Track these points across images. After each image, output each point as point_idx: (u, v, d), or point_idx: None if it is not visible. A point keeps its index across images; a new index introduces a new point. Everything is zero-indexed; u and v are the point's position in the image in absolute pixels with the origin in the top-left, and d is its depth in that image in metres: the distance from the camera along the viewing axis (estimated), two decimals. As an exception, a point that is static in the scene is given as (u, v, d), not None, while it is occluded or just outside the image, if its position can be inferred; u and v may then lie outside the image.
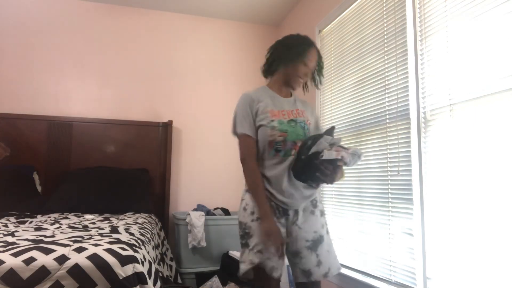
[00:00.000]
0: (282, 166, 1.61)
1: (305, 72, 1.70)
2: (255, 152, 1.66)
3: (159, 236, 2.63)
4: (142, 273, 1.35)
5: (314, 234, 1.64)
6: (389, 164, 2.12)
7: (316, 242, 1.63)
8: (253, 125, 1.65)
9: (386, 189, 2.14)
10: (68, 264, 1.27)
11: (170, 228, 3.39)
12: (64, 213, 2.66)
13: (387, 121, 2.15)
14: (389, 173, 2.12)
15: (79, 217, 2.48)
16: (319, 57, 1.77)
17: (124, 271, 1.30)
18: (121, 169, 3.19)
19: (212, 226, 3.08)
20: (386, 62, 2.18)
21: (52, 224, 2.11)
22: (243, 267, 1.58)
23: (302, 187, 1.63)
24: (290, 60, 1.69)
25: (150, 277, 1.44)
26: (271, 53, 1.77)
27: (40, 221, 2.23)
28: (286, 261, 1.74)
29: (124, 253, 1.36)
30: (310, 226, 1.64)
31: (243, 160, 1.65)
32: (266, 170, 1.64)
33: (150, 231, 2.23)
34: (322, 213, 1.72)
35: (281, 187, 1.60)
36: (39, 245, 1.36)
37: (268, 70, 1.78)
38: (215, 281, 2.72)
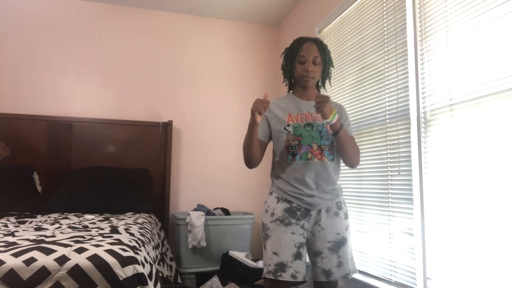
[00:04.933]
0: (301, 169, 1.64)
1: (304, 69, 1.69)
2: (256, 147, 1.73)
3: (159, 236, 2.63)
4: (142, 274, 1.35)
5: (337, 236, 1.66)
6: (389, 164, 2.12)
7: (339, 244, 1.65)
8: (265, 130, 1.73)
9: (386, 189, 2.14)
10: (69, 264, 1.27)
11: (170, 228, 3.39)
12: (64, 213, 2.66)
13: (387, 121, 2.15)
14: (389, 173, 2.12)
15: (79, 217, 2.48)
16: (322, 50, 1.72)
17: (124, 272, 1.30)
18: (121, 169, 3.19)
19: (212, 226, 3.08)
20: (386, 62, 2.18)
21: (52, 224, 2.11)
22: (264, 270, 1.63)
23: (326, 191, 1.66)
24: (289, 65, 1.74)
25: (150, 278, 1.44)
26: (281, 67, 1.83)
27: (40, 221, 2.23)
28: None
29: (124, 254, 1.36)
30: (333, 228, 1.66)
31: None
32: (286, 174, 1.67)
33: (150, 231, 2.23)
34: (346, 216, 1.73)
35: (304, 189, 1.63)
36: (39, 245, 1.36)
37: (288, 82, 1.82)
38: (215, 281, 2.72)
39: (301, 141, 1.65)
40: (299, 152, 1.65)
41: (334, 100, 2.76)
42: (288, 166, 1.67)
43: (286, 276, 1.57)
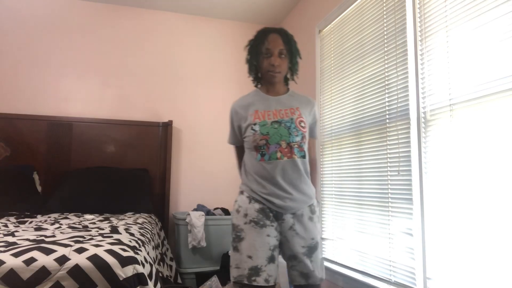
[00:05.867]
0: (271, 169, 1.56)
1: (270, 64, 1.59)
2: (239, 155, 1.77)
3: (159, 236, 2.63)
4: (142, 274, 1.35)
5: (311, 241, 1.59)
6: (389, 164, 2.12)
7: (312, 249, 1.58)
8: (236, 135, 1.71)
9: (386, 189, 2.14)
10: (69, 264, 1.27)
11: (170, 228, 3.39)
12: (64, 213, 2.67)
13: (387, 121, 2.15)
14: (389, 173, 2.12)
15: (79, 217, 2.48)
16: (287, 42, 1.62)
17: (124, 272, 1.30)
18: (121, 169, 3.19)
19: (212, 226, 3.08)
20: (386, 62, 2.18)
21: (52, 224, 2.11)
22: (234, 274, 1.55)
23: (299, 192, 1.59)
24: (254, 59, 1.65)
25: (150, 278, 1.44)
26: (246, 64, 1.73)
27: (40, 221, 2.23)
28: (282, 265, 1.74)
29: (124, 254, 1.36)
30: (308, 233, 1.58)
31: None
32: (256, 174, 1.60)
33: (150, 231, 2.23)
34: (319, 219, 1.71)
35: (275, 190, 1.56)
36: (39, 245, 1.36)
37: (253, 78, 1.73)
38: (214, 280, 2.72)
39: (269, 140, 1.56)
40: (268, 152, 1.56)
41: (334, 100, 2.76)
42: (258, 165, 1.59)
43: (260, 281, 1.50)
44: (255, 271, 1.51)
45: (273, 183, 1.56)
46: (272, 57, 1.59)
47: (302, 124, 1.61)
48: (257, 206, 1.58)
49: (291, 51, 1.64)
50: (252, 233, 1.54)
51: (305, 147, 1.62)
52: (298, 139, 1.58)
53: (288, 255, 1.60)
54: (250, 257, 1.52)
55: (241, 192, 1.65)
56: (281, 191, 1.56)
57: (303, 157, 1.60)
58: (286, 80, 1.74)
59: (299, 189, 1.59)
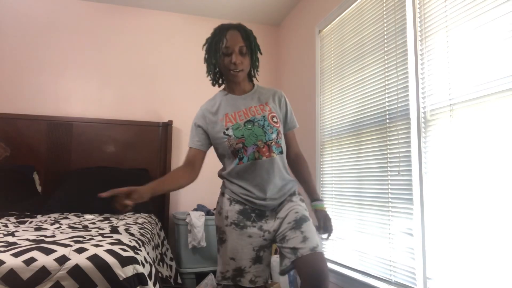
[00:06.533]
0: (251, 171, 1.52)
1: (230, 61, 1.50)
2: (186, 160, 1.59)
3: (159, 236, 2.63)
4: (142, 274, 1.35)
5: (296, 214, 1.50)
6: (389, 164, 2.12)
7: (299, 221, 1.48)
8: (202, 138, 1.59)
9: (386, 189, 2.14)
10: (69, 264, 1.27)
11: (170, 228, 3.39)
12: (64, 213, 2.66)
13: (387, 121, 2.15)
14: (389, 173, 2.12)
15: (79, 217, 2.48)
16: (246, 38, 1.54)
17: (124, 272, 1.30)
18: (121, 169, 3.19)
19: (212, 226, 3.08)
20: (386, 62, 2.18)
21: (52, 224, 2.11)
22: (219, 276, 1.55)
23: (279, 190, 1.55)
24: (213, 59, 1.55)
25: (150, 278, 1.44)
26: (204, 60, 1.62)
27: (40, 221, 2.23)
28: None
29: (124, 254, 1.36)
30: (289, 210, 1.52)
31: None
32: (235, 177, 1.56)
33: (150, 231, 2.23)
34: (303, 200, 1.61)
35: (255, 192, 1.52)
36: (39, 245, 1.36)
37: (212, 78, 1.64)
38: (210, 279, 2.72)
39: (245, 142, 1.50)
40: (246, 154, 1.51)
41: (334, 100, 2.75)
42: (237, 168, 1.54)
43: (244, 282, 1.49)
44: (239, 272, 1.50)
45: (254, 184, 1.53)
46: (233, 54, 1.50)
47: (275, 120, 1.56)
48: (237, 207, 1.55)
49: (251, 47, 1.55)
50: (233, 234, 1.53)
51: (282, 142, 1.58)
52: (273, 136, 1.53)
53: (280, 239, 1.51)
54: (233, 258, 1.52)
55: (222, 194, 1.64)
56: (261, 192, 1.52)
57: (281, 152, 1.56)
58: (249, 77, 1.66)
59: (278, 186, 1.55)
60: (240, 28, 1.55)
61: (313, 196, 1.65)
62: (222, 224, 1.57)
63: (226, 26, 1.55)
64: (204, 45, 1.60)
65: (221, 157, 1.63)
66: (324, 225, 1.59)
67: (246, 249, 1.51)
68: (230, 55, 1.51)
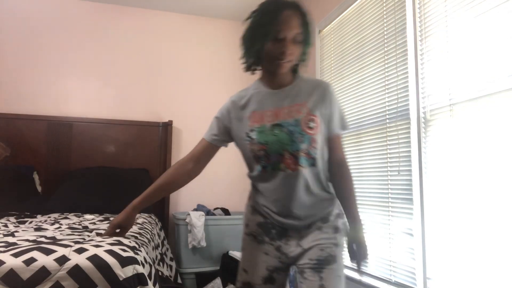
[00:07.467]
0: (272, 183, 1.30)
1: (281, 49, 1.22)
2: (194, 152, 1.49)
3: (159, 236, 2.63)
4: (142, 274, 1.35)
5: (321, 253, 1.27)
6: (389, 164, 2.12)
7: (322, 263, 1.26)
8: (221, 133, 1.43)
9: (386, 189, 2.14)
10: (69, 265, 1.27)
11: (170, 228, 3.39)
12: (64, 213, 2.66)
13: (387, 121, 2.15)
14: (389, 173, 2.12)
15: (79, 217, 2.48)
16: (305, 23, 1.26)
17: (124, 272, 1.30)
18: (121, 169, 3.19)
19: (212, 226, 3.08)
20: (386, 62, 2.18)
21: (52, 224, 2.11)
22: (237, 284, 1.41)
23: (305, 210, 1.30)
24: (258, 43, 1.25)
25: (150, 278, 1.44)
26: (241, 44, 1.33)
27: (40, 221, 2.23)
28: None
29: (124, 254, 1.36)
30: (315, 243, 1.29)
31: None
32: (259, 188, 1.36)
33: (150, 231, 2.23)
34: (337, 230, 1.33)
35: (276, 208, 1.31)
36: (39, 245, 1.36)
37: (248, 64, 1.35)
38: (217, 283, 2.71)
39: (267, 149, 1.26)
40: (269, 163, 1.28)
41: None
42: (259, 177, 1.33)
43: None
44: (249, 287, 1.34)
45: (273, 199, 1.31)
46: (285, 41, 1.21)
47: (312, 124, 1.27)
48: (258, 218, 1.37)
49: (307, 37, 1.27)
50: (249, 246, 1.37)
51: (317, 152, 1.28)
52: (303, 145, 1.25)
53: (298, 270, 1.32)
54: (245, 271, 1.36)
55: (249, 198, 1.45)
56: (283, 209, 1.30)
57: (313, 165, 1.28)
58: (294, 70, 1.36)
59: (306, 205, 1.29)
60: (299, 10, 1.25)
61: (349, 220, 1.36)
62: (243, 231, 1.42)
63: (279, 6, 1.22)
64: (247, 19, 1.28)
65: (244, 158, 1.40)
66: (359, 255, 1.37)
67: (259, 266, 1.33)
68: (280, 42, 1.21)
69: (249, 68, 1.37)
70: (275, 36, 1.21)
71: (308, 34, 1.28)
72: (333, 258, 1.28)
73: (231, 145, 1.53)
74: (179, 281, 2.75)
